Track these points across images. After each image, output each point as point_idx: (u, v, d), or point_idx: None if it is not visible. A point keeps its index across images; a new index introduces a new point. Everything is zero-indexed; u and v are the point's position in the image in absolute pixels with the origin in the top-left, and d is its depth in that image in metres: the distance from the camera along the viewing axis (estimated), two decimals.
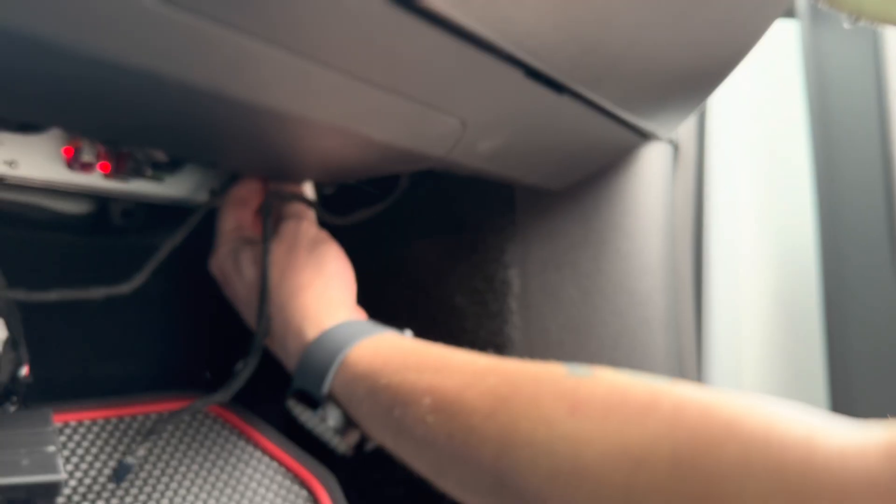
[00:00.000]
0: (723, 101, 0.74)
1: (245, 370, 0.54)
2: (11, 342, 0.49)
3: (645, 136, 0.59)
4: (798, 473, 0.30)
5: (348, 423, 0.49)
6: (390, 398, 0.44)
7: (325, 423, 0.49)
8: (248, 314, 0.58)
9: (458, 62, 0.40)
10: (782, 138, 0.75)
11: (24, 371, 0.49)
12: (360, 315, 0.56)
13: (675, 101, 0.57)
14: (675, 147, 0.64)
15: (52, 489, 0.47)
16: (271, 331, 0.55)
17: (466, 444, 0.40)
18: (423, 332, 0.64)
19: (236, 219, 0.61)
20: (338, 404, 0.49)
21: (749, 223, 0.69)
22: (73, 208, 0.68)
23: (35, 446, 0.47)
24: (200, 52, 0.31)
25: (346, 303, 0.55)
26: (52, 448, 0.47)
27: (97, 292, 0.49)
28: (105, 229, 0.67)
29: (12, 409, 0.51)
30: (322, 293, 0.54)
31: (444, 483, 0.43)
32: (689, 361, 0.63)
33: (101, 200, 0.69)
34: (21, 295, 0.45)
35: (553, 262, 0.60)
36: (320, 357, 0.49)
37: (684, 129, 0.69)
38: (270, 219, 0.57)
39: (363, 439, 0.50)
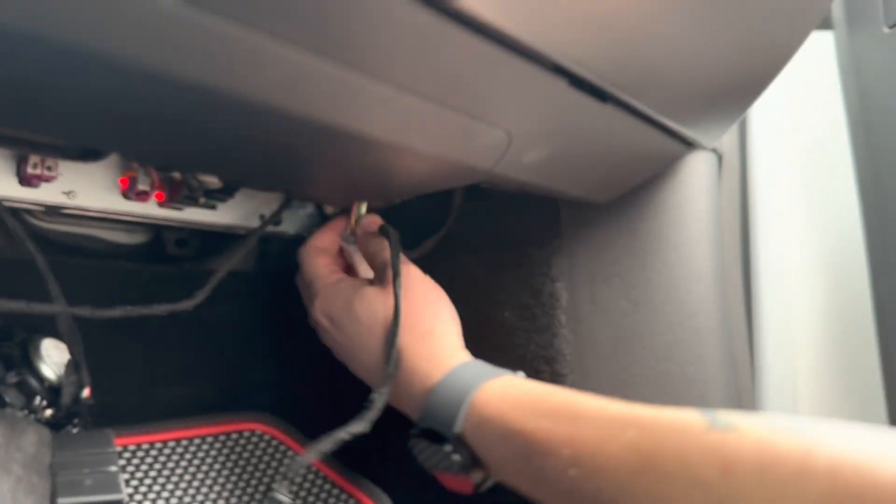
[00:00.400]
0: (763, 111, 0.74)
1: (380, 398, 0.53)
2: (73, 365, 0.50)
3: (689, 145, 0.59)
4: None
5: (474, 462, 0.49)
6: (526, 446, 0.45)
7: (452, 460, 0.49)
8: (363, 356, 0.58)
9: (504, 73, 0.40)
10: (824, 146, 0.74)
11: (86, 393, 0.51)
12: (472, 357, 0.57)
13: (718, 109, 0.57)
14: (720, 156, 0.64)
15: None
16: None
17: (617, 501, 0.39)
18: (472, 348, 0.65)
19: (326, 265, 0.62)
20: (466, 445, 0.49)
21: (795, 230, 0.68)
22: (129, 239, 0.71)
23: (97, 466, 0.48)
24: (256, 66, 0.32)
25: (462, 346, 0.56)
26: (113, 468, 0.49)
27: (160, 308, 0.50)
28: (160, 258, 0.69)
29: (75, 430, 0.52)
30: (443, 338, 0.55)
31: None
32: (743, 371, 0.62)
33: (155, 230, 0.71)
34: (86, 312, 0.46)
35: (601, 274, 0.60)
36: (448, 397, 0.50)
37: (727, 139, 0.68)
38: (398, 255, 0.57)
39: (485, 479, 0.50)
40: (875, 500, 0.31)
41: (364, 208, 0.65)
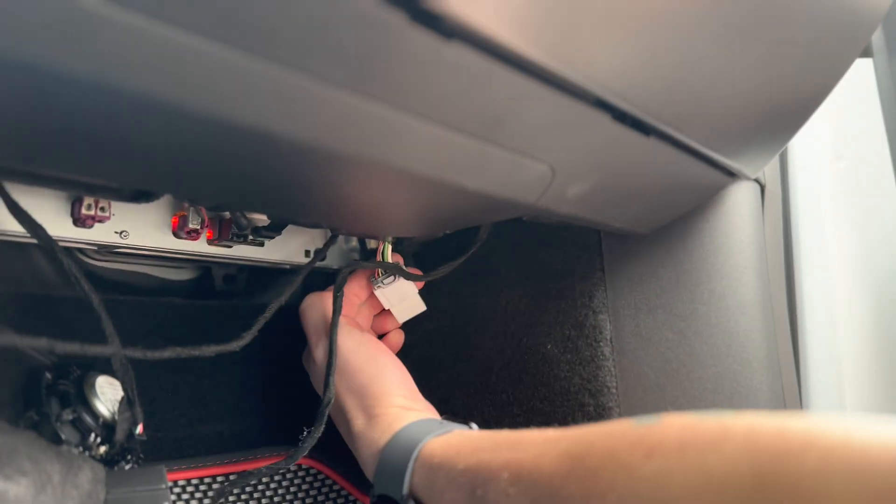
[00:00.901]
0: (804, 139, 0.73)
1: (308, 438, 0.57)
2: (127, 402, 0.51)
3: (732, 176, 0.59)
4: (884, 472, 0.29)
5: None
6: (469, 481, 0.46)
7: None
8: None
9: (548, 109, 0.41)
10: (865, 174, 0.73)
11: (139, 429, 0.51)
12: (431, 412, 0.59)
13: (762, 140, 0.56)
14: (762, 186, 0.63)
15: None
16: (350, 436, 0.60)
17: None
18: (514, 381, 0.65)
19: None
20: (419, 502, 0.51)
21: (839, 258, 0.67)
22: (178, 275, 0.72)
23: (150, 503, 0.49)
24: (305, 108, 0.33)
25: (409, 406, 0.58)
26: None
27: (208, 350, 0.51)
28: (208, 294, 0.71)
29: (127, 466, 0.53)
30: (385, 397, 0.58)
31: None
32: (791, 401, 0.61)
33: (203, 267, 0.72)
34: (138, 353, 0.47)
35: (646, 306, 0.60)
36: (395, 460, 0.52)
37: (769, 169, 0.68)
38: (340, 294, 0.62)
39: None
40: (788, 448, 0.32)
41: (389, 249, 0.66)
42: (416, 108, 0.36)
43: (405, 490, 0.51)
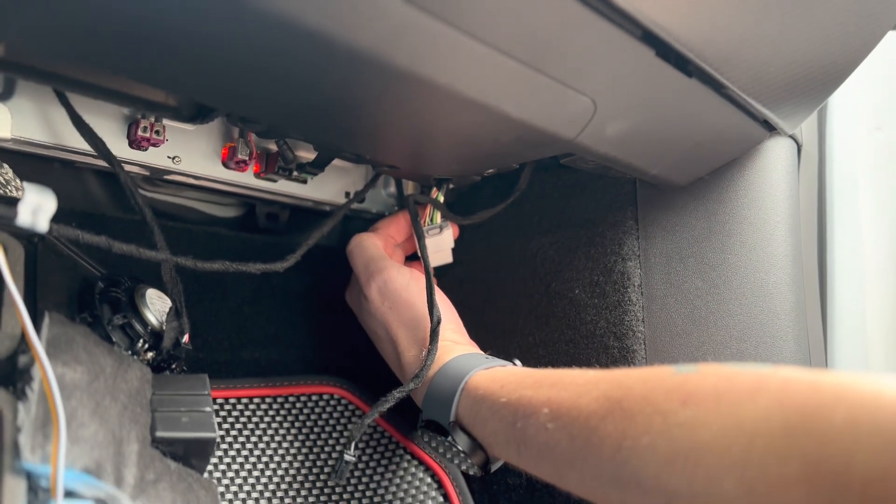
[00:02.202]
0: (844, 106, 0.74)
1: (430, 357, 0.58)
2: (175, 312, 0.53)
3: (770, 130, 0.60)
4: None
5: (475, 445, 0.54)
6: (511, 413, 0.49)
7: (455, 447, 0.54)
8: (382, 350, 0.65)
9: (594, 38, 0.42)
10: None
11: (185, 339, 0.54)
12: (474, 347, 0.62)
13: (799, 95, 0.57)
14: (799, 145, 0.64)
15: (207, 446, 0.51)
16: (401, 370, 0.62)
17: (587, 442, 0.42)
18: (541, 325, 0.66)
19: (385, 245, 0.68)
20: (463, 429, 0.54)
21: (871, 221, 0.68)
22: (223, 212, 0.75)
23: (194, 406, 0.51)
24: (369, 16, 0.35)
25: (458, 339, 0.62)
26: (208, 409, 0.51)
27: (255, 267, 0.54)
28: (252, 230, 0.73)
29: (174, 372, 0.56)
30: (441, 333, 0.60)
31: (567, 483, 0.46)
32: (817, 354, 0.62)
33: (248, 205, 0.75)
34: (188, 262, 0.50)
35: (677, 255, 0.61)
36: (444, 388, 0.55)
37: (807, 131, 0.69)
38: (419, 222, 0.64)
39: (488, 460, 0.54)
40: (820, 403, 0.33)
41: (441, 197, 0.68)
42: (467, 26, 0.38)
43: (452, 417, 0.54)
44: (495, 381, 0.52)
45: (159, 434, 0.48)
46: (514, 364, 0.59)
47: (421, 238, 0.65)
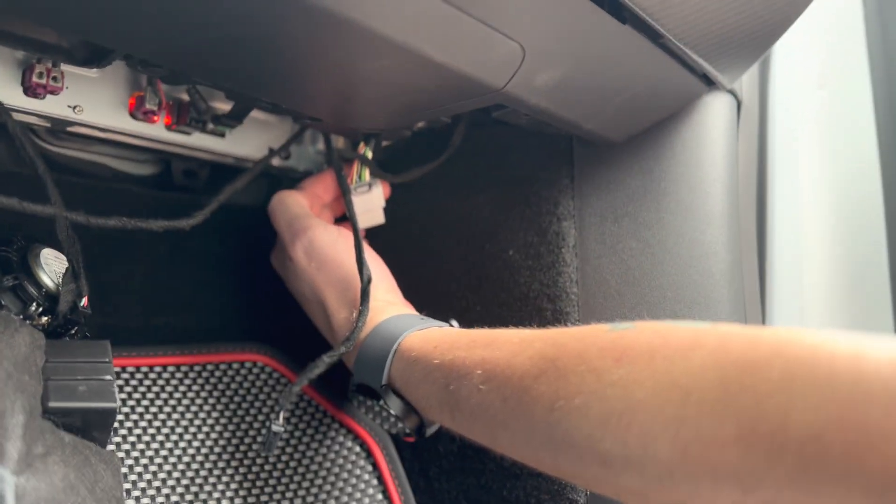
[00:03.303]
0: (786, 62, 0.72)
1: (361, 318, 0.55)
2: (72, 273, 0.49)
3: (708, 84, 0.58)
4: (848, 383, 0.29)
5: (408, 409, 0.52)
6: (444, 376, 0.47)
7: (388, 411, 0.52)
8: (310, 312, 0.61)
9: None
10: (845, 100, 0.72)
11: (84, 302, 0.50)
12: (408, 308, 0.59)
13: (736, 47, 0.55)
14: (739, 101, 0.62)
15: (108, 417, 0.47)
16: (332, 332, 0.59)
17: (520, 402, 0.41)
18: (475, 287, 0.64)
19: (311, 203, 0.64)
20: (396, 392, 0.52)
21: (811, 179, 0.67)
22: (138, 169, 0.70)
23: (92, 374, 0.47)
24: None
25: (391, 301, 0.59)
26: (108, 377, 0.48)
27: (157, 224, 0.50)
28: (168, 188, 0.69)
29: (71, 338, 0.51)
30: (373, 293, 0.57)
31: (500, 445, 0.44)
32: (753, 314, 0.60)
33: (163, 163, 0.70)
34: (80, 218, 0.46)
35: (612, 214, 0.59)
36: (375, 350, 0.53)
37: (748, 87, 0.67)
38: (345, 178, 0.61)
39: (422, 423, 0.53)
40: (756, 359, 0.32)
41: (370, 153, 0.64)
42: None
43: (384, 380, 0.52)
44: (428, 342, 0.50)
45: (52, 404, 0.44)
46: (451, 325, 0.57)
47: (347, 193, 0.61)
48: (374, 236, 0.69)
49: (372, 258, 0.61)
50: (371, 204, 0.66)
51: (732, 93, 0.61)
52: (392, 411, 0.51)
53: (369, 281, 0.55)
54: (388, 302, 0.58)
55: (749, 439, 0.31)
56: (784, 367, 0.31)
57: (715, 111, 0.59)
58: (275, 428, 0.54)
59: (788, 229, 0.64)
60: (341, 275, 0.58)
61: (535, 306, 0.60)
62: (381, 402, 0.52)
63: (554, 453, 0.40)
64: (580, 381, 0.38)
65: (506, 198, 0.64)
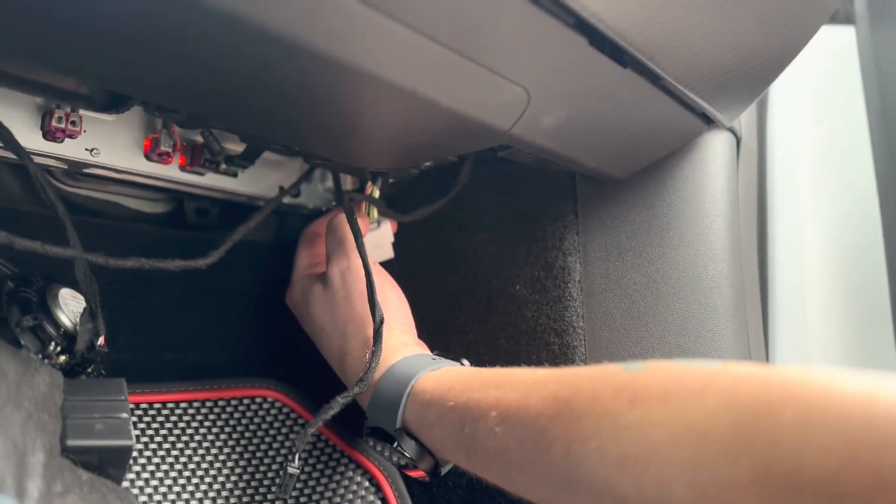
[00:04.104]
0: (784, 101, 0.74)
1: (374, 359, 0.56)
2: (89, 312, 0.50)
3: (707, 123, 0.59)
4: (860, 425, 0.29)
5: (423, 451, 0.52)
6: (459, 418, 0.47)
7: (403, 453, 0.52)
8: (325, 347, 0.62)
9: (524, 25, 0.41)
10: (842, 138, 0.74)
11: (101, 341, 0.51)
12: (422, 348, 0.60)
13: (735, 87, 0.57)
14: (738, 139, 0.64)
15: (124, 454, 0.48)
16: (343, 370, 0.60)
17: (536, 445, 0.41)
18: (483, 322, 0.65)
19: (309, 256, 0.66)
20: (411, 435, 0.52)
21: (812, 215, 0.68)
22: (151, 207, 0.71)
23: (109, 413, 0.48)
24: None
25: (406, 340, 0.59)
26: (124, 415, 0.49)
27: (174, 263, 0.51)
28: (181, 226, 0.70)
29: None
30: (386, 337, 0.57)
31: (517, 487, 0.44)
32: (757, 349, 0.61)
33: (176, 200, 0.72)
34: (100, 259, 0.47)
35: (616, 249, 0.60)
36: (389, 393, 0.53)
37: (746, 125, 0.69)
38: (355, 219, 0.60)
39: (437, 464, 0.53)
40: (770, 401, 0.32)
41: (377, 192, 0.65)
42: (387, 6, 0.36)
43: (398, 424, 0.52)
44: (442, 383, 0.51)
45: (70, 443, 0.45)
46: (462, 364, 0.57)
47: (359, 237, 0.62)
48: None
49: (397, 296, 0.62)
50: (381, 240, 0.68)
51: (732, 130, 0.62)
52: (407, 454, 0.52)
53: (381, 322, 0.56)
54: (402, 343, 0.58)
55: (765, 482, 0.31)
56: (796, 409, 0.31)
57: (715, 148, 0.60)
58: (291, 470, 0.54)
59: (790, 263, 0.66)
60: (364, 310, 0.59)
61: (542, 340, 0.61)
62: (396, 445, 0.52)
63: (571, 496, 0.40)
64: (596, 424, 0.38)
65: (512, 233, 0.65)
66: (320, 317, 0.62)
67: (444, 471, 0.54)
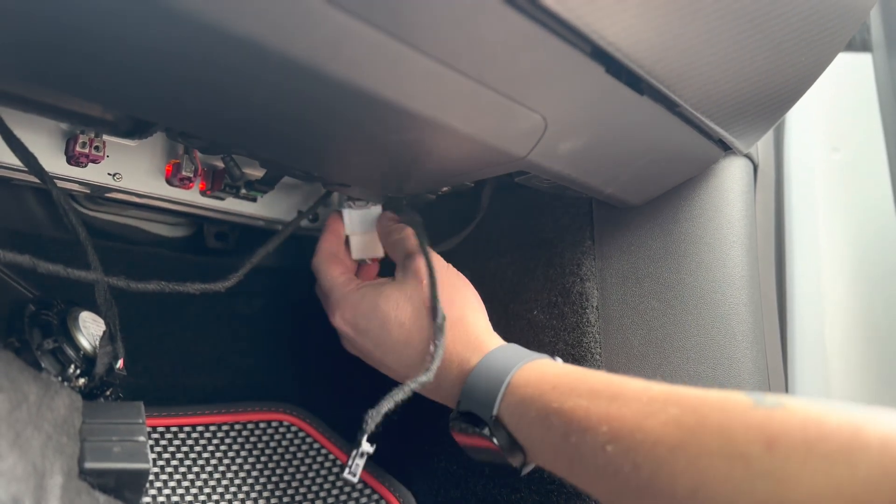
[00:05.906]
0: (801, 128, 0.74)
1: (435, 361, 0.53)
2: (109, 336, 0.51)
3: (724, 149, 0.59)
4: None
5: (516, 445, 0.49)
6: (563, 424, 0.44)
7: (492, 441, 0.49)
8: (398, 352, 0.57)
9: (542, 54, 0.41)
10: (860, 165, 0.74)
11: (120, 364, 0.51)
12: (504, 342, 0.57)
13: (752, 114, 0.57)
14: (755, 165, 0.64)
15: (141, 478, 0.48)
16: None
17: (655, 475, 0.38)
18: None
19: (341, 273, 0.61)
20: (504, 427, 0.49)
21: (830, 241, 0.68)
22: (170, 232, 0.72)
23: (126, 436, 0.48)
24: (301, 23, 0.33)
25: (492, 331, 0.56)
26: (142, 438, 0.49)
27: (194, 286, 0.51)
28: (200, 251, 0.71)
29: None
30: (475, 323, 0.55)
31: None
32: (775, 375, 0.61)
33: (196, 225, 0.73)
34: (121, 283, 0.47)
35: (633, 275, 0.60)
36: (487, 380, 0.50)
37: (763, 152, 0.69)
38: (424, 239, 0.58)
39: (526, 463, 0.50)
40: None
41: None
42: (408, 36, 0.37)
43: (495, 411, 0.49)
44: (545, 380, 0.47)
45: (88, 465, 0.45)
46: (556, 361, 0.53)
47: (427, 255, 0.58)
48: None
49: (471, 288, 0.59)
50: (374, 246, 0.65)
51: (749, 157, 0.62)
52: (497, 442, 0.48)
53: (444, 319, 0.54)
54: (490, 331, 0.56)
55: None
56: None
57: (732, 175, 0.60)
58: (364, 448, 0.49)
59: (808, 290, 0.65)
60: (398, 337, 0.56)
61: None
62: (486, 431, 0.49)
63: None
64: (728, 468, 0.35)
65: (529, 259, 0.65)
66: (397, 316, 0.57)
67: (526, 469, 0.51)
